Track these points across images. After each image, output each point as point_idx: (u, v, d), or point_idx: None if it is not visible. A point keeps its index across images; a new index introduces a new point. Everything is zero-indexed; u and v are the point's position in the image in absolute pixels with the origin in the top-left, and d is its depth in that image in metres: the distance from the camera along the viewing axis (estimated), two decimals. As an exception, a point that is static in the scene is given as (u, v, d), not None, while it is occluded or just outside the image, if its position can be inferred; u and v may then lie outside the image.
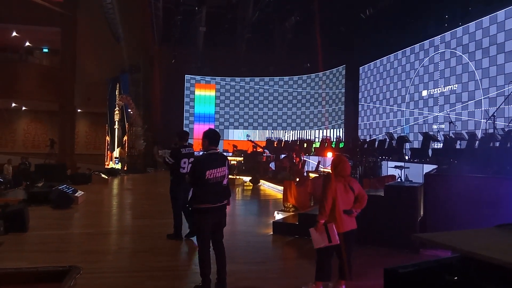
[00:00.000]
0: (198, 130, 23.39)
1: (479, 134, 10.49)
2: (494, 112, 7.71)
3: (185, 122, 23.28)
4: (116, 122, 19.85)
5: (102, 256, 5.74)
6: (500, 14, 11.27)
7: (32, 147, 22.66)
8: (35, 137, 22.95)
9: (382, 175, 10.66)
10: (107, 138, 20.66)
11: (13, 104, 21.21)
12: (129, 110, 20.30)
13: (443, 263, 1.60)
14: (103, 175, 15.01)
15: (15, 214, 6.92)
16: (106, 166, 19.94)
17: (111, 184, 14.81)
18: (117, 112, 19.81)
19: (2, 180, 11.75)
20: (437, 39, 13.99)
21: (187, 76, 23.42)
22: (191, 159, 6.08)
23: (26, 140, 22.98)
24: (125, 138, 20.36)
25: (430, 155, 10.48)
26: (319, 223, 4.00)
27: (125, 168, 19.55)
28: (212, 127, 23.43)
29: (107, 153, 20.75)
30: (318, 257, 4.12)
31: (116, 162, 19.83)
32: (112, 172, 17.56)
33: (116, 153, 19.96)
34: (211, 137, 4.43)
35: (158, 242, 6.37)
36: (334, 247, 3.97)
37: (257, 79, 23.64)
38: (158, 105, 22.30)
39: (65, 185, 10.47)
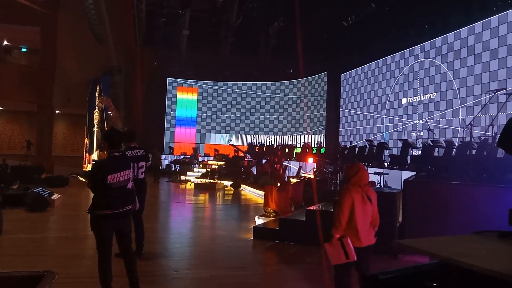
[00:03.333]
0: (180, 133, 23.22)
1: (456, 142, 10.73)
2: (471, 121, 7.88)
3: (166, 125, 23.08)
4: (96, 124, 19.52)
5: (78, 261, 5.62)
6: (478, 25, 11.58)
7: (7, 148, 22.05)
8: (11, 138, 22.34)
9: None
10: (86, 140, 20.29)
11: (-11, 104, 20.67)
12: (109, 112, 20.00)
13: (423, 270, 1.62)
14: (80, 178, 14.72)
15: (-12, 217, 6.72)
16: (84, 169, 19.56)
17: (89, 187, 14.54)
18: (96, 114, 19.49)
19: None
20: (417, 48, 14.27)
21: (169, 79, 23.25)
22: (141, 163, 5.55)
23: (1, 141, 22.35)
24: (105, 140, 20.03)
25: (409, 162, 10.65)
26: (334, 237, 3.60)
27: (104, 171, 19.20)
28: (194, 130, 23.33)
29: (85, 155, 20.37)
30: (336, 272, 3.76)
31: (95, 164, 19.47)
32: (91, 175, 17.21)
33: (95, 155, 19.61)
34: (111, 139, 4.13)
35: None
36: (353, 262, 3.62)
37: (239, 83, 23.65)
38: (139, 107, 22.05)
39: (41, 188, 10.24)
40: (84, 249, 6.26)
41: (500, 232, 1.75)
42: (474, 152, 8.05)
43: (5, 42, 21.17)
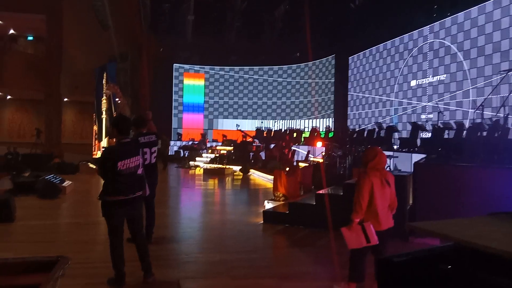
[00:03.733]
0: (187, 120, 23.24)
1: (467, 124, 10.60)
2: (482, 102, 7.77)
3: (174, 111, 23.10)
4: (104, 111, 19.60)
5: (91, 246, 5.70)
6: (488, 4, 11.32)
7: (17, 136, 22.30)
8: (20, 127, 22.58)
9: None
10: (95, 127, 20.41)
11: (-2, 93, 20.83)
12: (117, 99, 20.03)
13: (437, 252, 1.61)
14: (90, 165, 14.85)
15: (1, 204, 6.83)
16: (93, 156, 19.73)
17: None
18: (104, 101, 19.54)
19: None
20: (426, 29, 14.02)
21: (175, 65, 23.18)
22: (154, 148, 5.61)
23: (11, 129, 22.61)
24: (113, 127, 20.08)
25: (418, 145, 10.56)
26: (354, 222, 3.68)
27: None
28: (201, 116, 23.32)
29: (95, 142, 20.51)
30: (352, 256, 3.84)
31: (104, 151, 19.58)
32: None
33: (104, 142, 19.75)
34: (120, 126, 4.15)
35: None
36: (371, 246, 3.68)
37: (246, 68, 23.51)
38: (146, 94, 22.06)
39: (52, 175, 10.35)
40: (96, 234, 6.35)
41: (515, 214, 1.73)
42: (485, 133, 7.95)
43: (11, 31, 21.20)
